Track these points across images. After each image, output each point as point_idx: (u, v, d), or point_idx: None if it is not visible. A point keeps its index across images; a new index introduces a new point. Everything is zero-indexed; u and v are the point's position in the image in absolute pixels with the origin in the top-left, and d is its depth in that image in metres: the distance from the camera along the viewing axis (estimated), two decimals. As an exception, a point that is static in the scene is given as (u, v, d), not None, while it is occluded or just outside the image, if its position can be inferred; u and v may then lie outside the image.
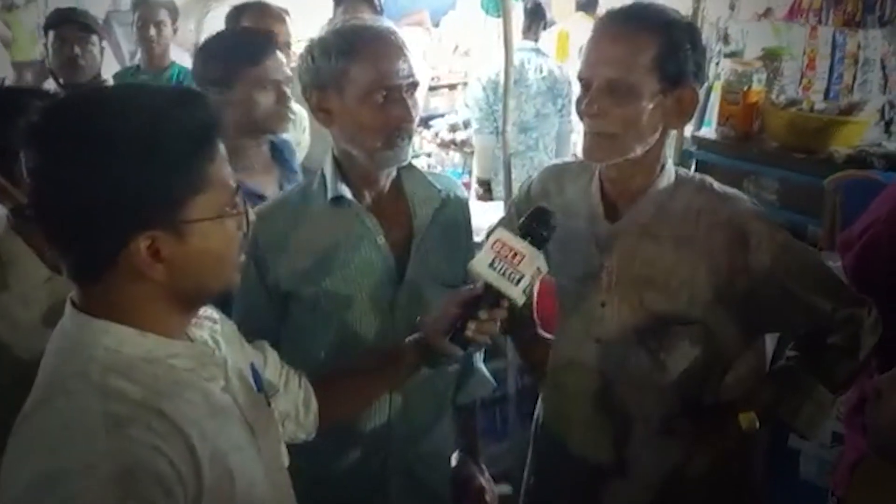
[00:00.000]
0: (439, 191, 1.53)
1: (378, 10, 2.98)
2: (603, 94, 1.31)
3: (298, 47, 3.32)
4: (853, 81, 4.09)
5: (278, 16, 2.47)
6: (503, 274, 1.17)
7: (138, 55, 3.73)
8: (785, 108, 2.71)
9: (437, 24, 6.08)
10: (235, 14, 2.48)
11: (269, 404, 1.09)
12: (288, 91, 1.89)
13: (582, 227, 1.48)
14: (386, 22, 1.46)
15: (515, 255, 1.17)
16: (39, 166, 0.82)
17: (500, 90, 2.91)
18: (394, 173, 1.49)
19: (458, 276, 1.53)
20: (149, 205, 0.82)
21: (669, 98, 1.33)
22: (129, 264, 0.83)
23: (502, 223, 1.66)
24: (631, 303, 1.43)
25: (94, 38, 2.87)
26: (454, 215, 1.56)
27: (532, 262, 1.17)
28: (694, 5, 3.03)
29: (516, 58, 3.11)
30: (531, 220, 1.22)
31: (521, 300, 1.20)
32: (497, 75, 3.00)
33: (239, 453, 0.92)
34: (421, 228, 1.48)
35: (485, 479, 1.69)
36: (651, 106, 1.31)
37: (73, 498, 0.75)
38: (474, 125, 3.58)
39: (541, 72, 3.84)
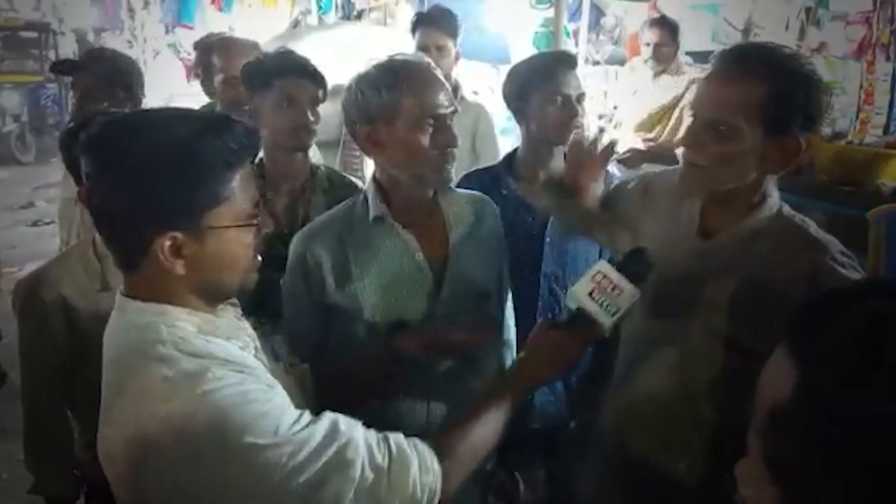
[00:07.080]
0: (473, 208, 1.64)
1: (453, 34, 2.92)
2: (704, 130, 1.34)
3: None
4: (916, 116, 4.03)
5: (241, 50, 2.55)
6: (601, 304, 1.26)
7: None
8: (830, 141, 2.73)
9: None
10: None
11: (288, 373, 1.25)
12: None
13: (676, 234, 1.49)
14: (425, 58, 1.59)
15: (615, 288, 1.25)
16: (92, 171, 1.00)
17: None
18: (430, 193, 1.60)
19: (490, 288, 1.64)
20: (172, 210, 0.98)
21: (771, 144, 1.31)
22: (156, 257, 0.99)
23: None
24: (706, 319, 1.43)
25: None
26: (487, 230, 1.67)
27: (629, 298, 1.25)
28: (743, 40, 3.11)
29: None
30: (630, 260, 1.29)
31: (609, 331, 1.28)
32: None
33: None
34: (456, 244, 1.59)
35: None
36: (749, 149, 1.31)
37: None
38: None
39: None
